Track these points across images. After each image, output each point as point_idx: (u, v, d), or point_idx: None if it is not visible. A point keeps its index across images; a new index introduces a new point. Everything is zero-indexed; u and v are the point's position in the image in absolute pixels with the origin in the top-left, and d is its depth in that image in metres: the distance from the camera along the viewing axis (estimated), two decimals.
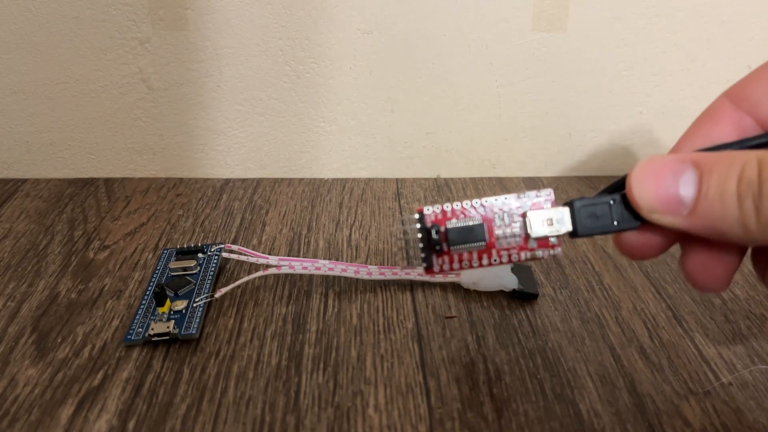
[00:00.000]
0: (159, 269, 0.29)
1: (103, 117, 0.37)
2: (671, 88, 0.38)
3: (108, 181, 0.38)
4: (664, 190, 0.18)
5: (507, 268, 0.27)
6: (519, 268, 0.28)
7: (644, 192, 0.18)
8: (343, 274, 0.27)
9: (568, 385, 0.23)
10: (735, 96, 0.21)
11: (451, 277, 0.28)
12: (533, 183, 0.39)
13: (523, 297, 0.27)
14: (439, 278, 0.28)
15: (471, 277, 0.27)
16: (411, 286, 0.28)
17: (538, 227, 0.19)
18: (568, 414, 0.22)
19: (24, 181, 0.38)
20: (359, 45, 0.36)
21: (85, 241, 0.32)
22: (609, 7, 0.35)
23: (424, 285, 0.28)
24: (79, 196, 0.36)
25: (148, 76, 0.36)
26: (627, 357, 0.24)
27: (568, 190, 0.38)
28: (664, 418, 0.21)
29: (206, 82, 0.36)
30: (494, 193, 0.37)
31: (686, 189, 0.18)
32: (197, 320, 0.25)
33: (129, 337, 0.25)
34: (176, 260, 0.29)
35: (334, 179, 0.39)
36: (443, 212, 0.19)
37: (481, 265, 0.19)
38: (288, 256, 0.30)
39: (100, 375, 0.23)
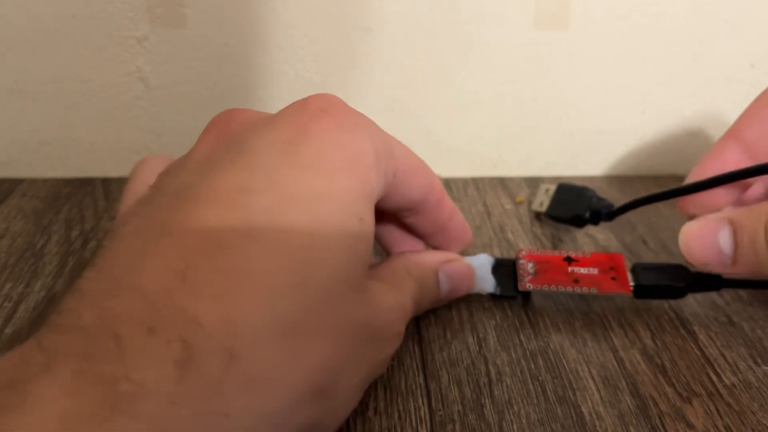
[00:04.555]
0: None
1: (101, 116, 0.36)
2: (674, 87, 0.38)
3: (105, 181, 0.38)
4: (708, 249, 0.22)
5: (488, 269, 0.27)
6: (499, 267, 0.27)
7: (693, 253, 0.23)
8: None
9: (570, 387, 0.23)
10: (736, 135, 0.25)
11: None
12: (535, 183, 0.38)
13: (501, 299, 0.27)
14: None
15: None
16: None
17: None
18: (570, 416, 0.21)
19: (21, 180, 0.37)
20: (359, 43, 0.35)
21: (82, 242, 0.31)
22: (611, 5, 0.35)
23: None
24: (76, 196, 0.36)
25: (146, 75, 0.35)
26: (629, 358, 0.24)
27: None
28: (667, 420, 0.21)
29: (204, 80, 0.36)
30: (495, 193, 0.37)
31: (725, 244, 0.22)
32: None
33: None
34: None
35: None
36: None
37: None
38: None
39: None
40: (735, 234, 0.22)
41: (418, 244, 0.26)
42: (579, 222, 0.31)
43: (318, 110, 0.19)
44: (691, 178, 0.25)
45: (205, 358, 0.14)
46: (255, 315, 0.15)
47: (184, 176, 0.18)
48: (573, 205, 0.31)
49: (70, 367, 0.13)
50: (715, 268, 0.23)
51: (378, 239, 0.26)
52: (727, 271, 0.23)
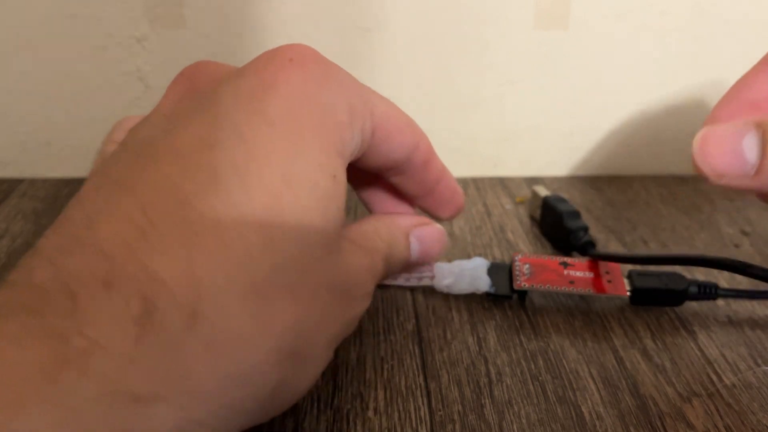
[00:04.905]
0: None
1: (100, 116, 0.36)
2: (674, 87, 0.38)
3: None
4: (729, 154, 0.18)
5: (484, 270, 0.27)
6: (495, 269, 0.27)
7: (709, 159, 0.19)
8: None
9: (570, 387, 0.23)
10: None
11: (425, 281, 0.27)
12: (535, 183, 0.38)
13: (496, 299, 0.27)
14: (413, 281, 0.27)
15: (444, 281, 0.27)
16: (411, 287, 0.28)
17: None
18: (570, 416, 0.21)
19: (20, 181, 0.37)
20: (359, 43, 0.35)
21: None
22: (611, 5, 0.35)
23: (424, 286, 0.28)
24: None
25: (146, 75, 0.35)
26: (630, 358, 0.24)
27: (570, 189, 0.38)
28: (667, 420, 0.21)
29: None
30: (495, 193, 0.37)
31: (750, 149, 0.18)
32: None
33: None
34: None
35: None
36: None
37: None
38: None
39: None
40: (764, 138, 0.18)
41: (407, 211, 0.25)
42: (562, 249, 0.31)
43: (287, 61, 0.18)
44: (718, 107, 0.22)
45: (167, 316, 0.14)
46: (220, 274, 0.15)
47: (148, 131, 0.18)
48: (555, 232, 0.31)
49: (18, 321, 0.12)
50: (733, 180, 0.19)
51: (367, 206, 0.26)
52: (746, 184, 0.19)
